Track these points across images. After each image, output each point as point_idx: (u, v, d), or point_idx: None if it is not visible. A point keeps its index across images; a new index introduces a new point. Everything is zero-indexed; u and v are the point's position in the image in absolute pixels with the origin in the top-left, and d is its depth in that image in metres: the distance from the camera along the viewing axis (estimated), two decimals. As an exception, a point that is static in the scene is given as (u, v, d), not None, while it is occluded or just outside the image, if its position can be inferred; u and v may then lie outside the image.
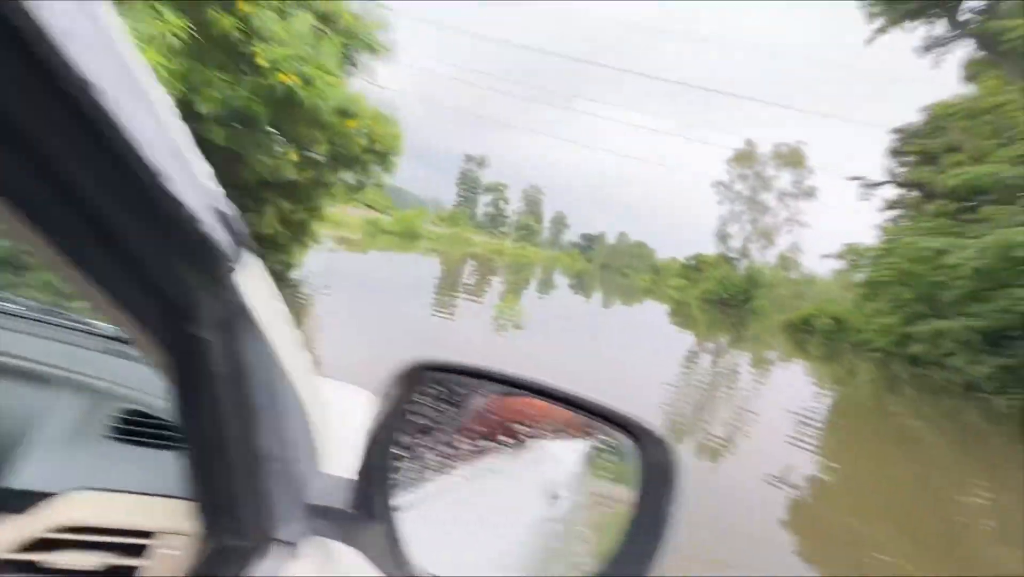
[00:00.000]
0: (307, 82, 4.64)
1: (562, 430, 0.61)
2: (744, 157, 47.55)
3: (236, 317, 0.36)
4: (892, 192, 28.92)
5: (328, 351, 4.66)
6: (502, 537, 0.54)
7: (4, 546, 0.44)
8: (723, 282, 39.96)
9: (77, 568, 0.45)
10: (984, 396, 14.30)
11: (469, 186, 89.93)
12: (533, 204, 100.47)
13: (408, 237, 36.61)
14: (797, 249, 46.80)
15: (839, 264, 27.34)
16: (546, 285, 22.76)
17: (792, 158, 45.84)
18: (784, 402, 7.90)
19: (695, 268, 51.73)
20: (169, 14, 3.89)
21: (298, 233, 10.12)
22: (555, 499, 0.71)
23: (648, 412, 5.24)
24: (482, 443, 0.56)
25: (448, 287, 13.36)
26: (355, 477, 0.46)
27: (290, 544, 0.44)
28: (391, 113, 8.21)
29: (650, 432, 0.46)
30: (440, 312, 9.26)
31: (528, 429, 0.58)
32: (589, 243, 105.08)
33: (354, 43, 5.96)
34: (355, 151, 7.62)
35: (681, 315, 24.60)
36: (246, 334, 0.38)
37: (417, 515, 0.49)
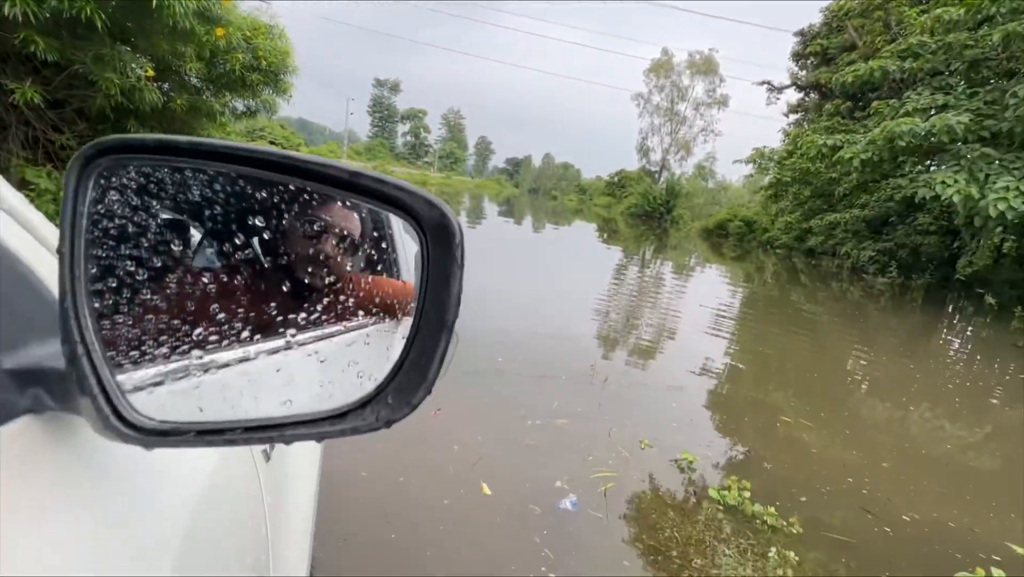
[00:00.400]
0: (149, -28, 3.83)
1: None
2: (661, 67, 47.49)
3: None
4: (795, 95, 30.35)
5: None
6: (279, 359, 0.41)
7: None
8: (645, 196, 41.30)
9: None
10: (867, 277, 16.24)
11: (384, 114, 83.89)
12: (455, 130, 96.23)
13: (323, 174, 34.04)
14: (712, 158, 48.88)
15: (749, 169, 28.93)
16: (475, 214, 22.37)
17: (706, 66, 46.41)
18: (702, 300, 8.53)
19: (619, 185, 52.83)
20: None
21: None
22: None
23: (583, 322, 5.35)
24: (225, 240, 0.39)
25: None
26: (61, 321, 0.34)
27: None
28: (274, 25, 7.18)
29: (424, 198, 0.35)
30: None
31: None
32: (515, 167, 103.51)
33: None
34: (235, 68, 6.67)
35: (608, 231, 25.41)
36: None
37: (152, 361, 0.38)
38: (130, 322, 0.37)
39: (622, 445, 2.91)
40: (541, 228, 21.97)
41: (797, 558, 2.07)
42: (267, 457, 0.80)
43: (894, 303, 12.65)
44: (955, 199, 10.02)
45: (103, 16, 4.05)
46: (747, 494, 2.48)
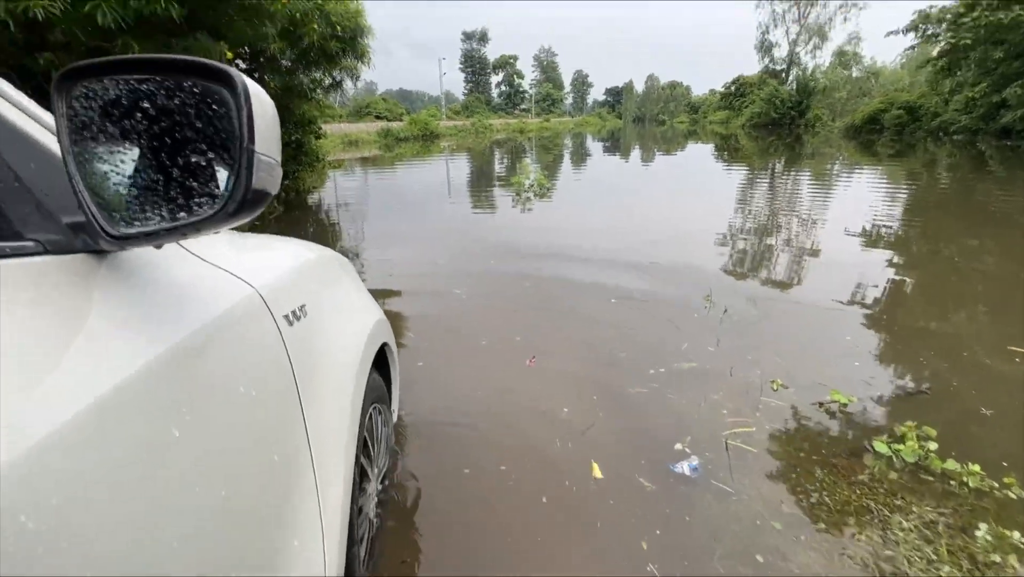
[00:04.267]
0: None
1: None
2: (781, -60, 39.57)
3: None
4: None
5: (374, 270, 4.39)
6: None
7: None
8: (770, 100, 35.73)
9: None
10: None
11: (476, 68, 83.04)
12: (549, 70, 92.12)
13: (427, 139, 35.14)
14: (857, 39, 40.20)
15: (909, 41, 23.13)
16: (578, 156, 21.34)
17: (841, -76, 37.57)
18: (849, 215, 7.01)
19: (737, 94, 46.50)
20: None
21: (296, 154, 9.65)
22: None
23: (708, 259, 4.64)
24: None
25: (479, 180, 12.71)
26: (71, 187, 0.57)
27: (44, 245, 0.57)
28: (341, -16, 7.11)
29: (223, 71, 0.54)
30: (478, 208, 8.81)
31: None
32: (617, 97, 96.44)
33: None
34: (313, 39, 6.75)
35: (729, 149, 22.50)
36: None
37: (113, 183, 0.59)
38: (105, 186, 0.59)
39: (748, 387, 2.39)
40: (650, 159, 20.24)
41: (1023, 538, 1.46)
42: (290, 322, 0.94)
43: None
44: None
45: (177, 8, 4.19)
46: (932, 446, 1.85)
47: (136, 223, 0.58)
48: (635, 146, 27.30)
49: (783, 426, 2.09)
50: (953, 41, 16.76)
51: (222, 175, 0.57)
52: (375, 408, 1.43)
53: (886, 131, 24.59)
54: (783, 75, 41.57)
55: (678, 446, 1.95)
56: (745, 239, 5.66)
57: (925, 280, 4.12)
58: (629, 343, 2.86)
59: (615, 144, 30.19)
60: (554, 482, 1.78)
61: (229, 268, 0.91)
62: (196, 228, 0.56)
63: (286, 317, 0.95)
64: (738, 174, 13.12)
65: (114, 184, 0.59)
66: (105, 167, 0.58)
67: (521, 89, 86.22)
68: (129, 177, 0.59)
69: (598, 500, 1.70)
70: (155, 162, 0.58)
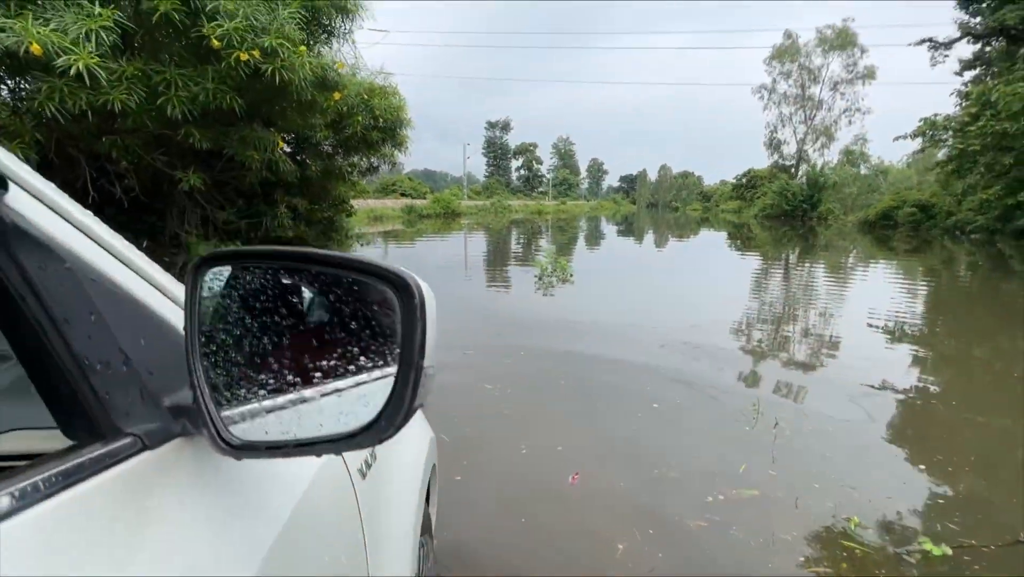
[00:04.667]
0: (269, 55, 4.15)
1: None
2: (784, 52, 42.90)
3: (13, 241, 0.43)
4: (968, 49, 25.04)
5: None
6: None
7: None
8: (782, 193, 36.85)
9: None
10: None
11: (498, 153, 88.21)
12: (566, 157, 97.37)
13: (448, 217, 36.52)
14: (863, 140, 42.18)
15: (915, 146, 24.15)
16: (592, 238, 21.86)
17: (841, 40, 40.81)
18: (873, 306, 6.92)
19: (748, 186, 48.22)
20: (95, 7, 3.52)
21: (328, 231, 9.99)
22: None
23: (726, 344, 4.55)
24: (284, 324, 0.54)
25: (497, 259, 12.95)
26: (189, 376, 0.51)
27: (142, 439, 0.49)
28: (386, 83, 7.66)
29: (401, 277, 0.48)
30: (494, 285, 8.87)
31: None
32: (631, 184, 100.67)
33: (320, 3, 5.43)
34: (357, 130, 7.18)
35: (741, 238, 22.89)
36: (30, 254, 0.44)
37: (232, 392, 0.53)
38: (224, 374, 0.52)
39: (819, 523, 2.15)
40: (663, 244, 20.60)
41: None
42: (363, 475, 0.93)
43: None
44: None
45: (240, 102, 4.50)
46: (1059, 621, 1.58)
47: (261, 431, 0.50)
48: (653, 231, 27.92)
49: (870, 581, 1.83)
50: (961, 147, 17.41)
51: (374, 386, 0.49)
52: (422, 542, 1.28)
53: (901, 227, 24.95)
54: (792, 170, 43.26)
55: (753, 602, 1.71)
56: (773, 336, 5.50)
57: (986, 393, 3.88)
58: (680, 461, 2.64)
59: (629, 228, 30.92)
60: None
61: None
62: (335, 445, 0.49)
63: (360, 471, 0.92)
64: (753, 261, 13.16)
65: (239, 382, 0.52)
66: (232, 362, 0.52)
67: (539, 173, 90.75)
68: (259, 377, 0.51)
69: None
70: (290, 363, 0.51)
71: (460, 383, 3.67)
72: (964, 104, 21.21)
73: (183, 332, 0.56)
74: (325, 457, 0.81)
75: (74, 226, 0.52)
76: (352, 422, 0.48)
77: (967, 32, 24.10)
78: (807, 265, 13.48)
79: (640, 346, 4.75)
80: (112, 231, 0.58)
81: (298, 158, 7.95)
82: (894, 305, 7.27)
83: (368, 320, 0.51)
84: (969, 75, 25.35)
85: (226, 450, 0.49)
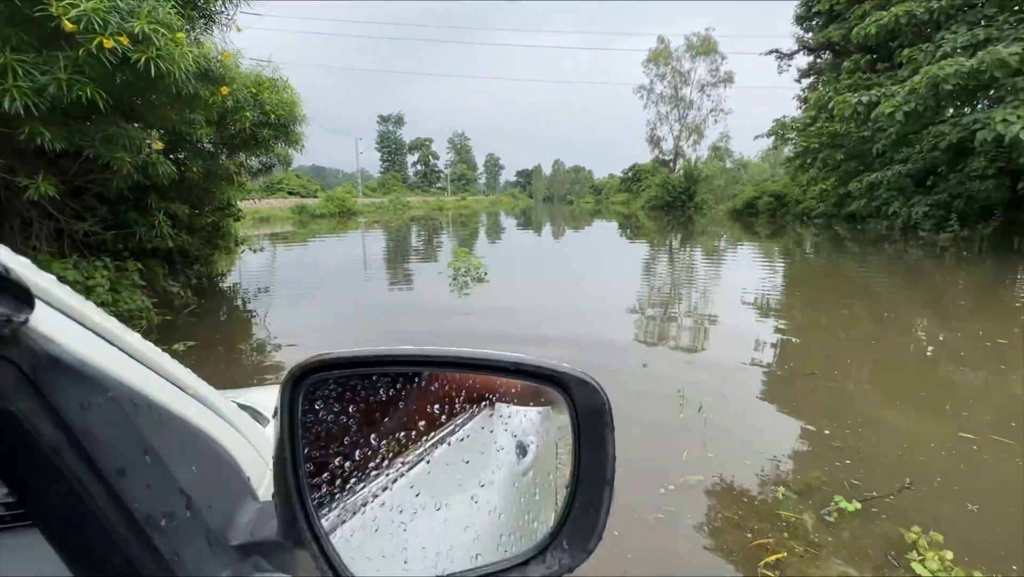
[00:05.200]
0: (140, 41, 3.55)
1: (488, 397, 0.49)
2: (659, 55, 46.68)
3: (42, 374, 0.33)
4: (804, 60, 29.16)
5: (287, 354, 3.99)
6: (472, 508, 0.46)
7: None
8: (664, 186, 40.28)
9: None
10: (925, 235, 15.10)
11: (392, 148, 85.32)
12: (462, 152, 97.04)
13: (343, 216, 34.61)
14: (727, 137, 47.51)
15: (768, 144, 27.77)
16: (493, 231, 22.09)
17: (704, 47, 45.38)
18: (742, 283, 7.93)
19: (634, 179, 51.87)
20: None
21: (212, 238, 8.95)
22: (524, 450, 0.60)
23: (621, 321, 4.86)
24: (405, 432, 0.44)
25: (397, 257, 12.52)
26: (276, 503, 0.41)
27: None
28: (277, 77, 7.02)
29: (576, 376, 0.42)
30: (396, 285, 8.54)
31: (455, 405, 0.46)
32: (527, 179, 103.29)
33: (197, -13, 4.78)
34: (245, 126, 6.50)
35: (631, 228, 24.66)
36: (66, 389, 0.34)
37: (356, 525, 0.43)
38: (338, 512, 0.40)
39: (753, 497, 2.39)
40: (560, 235, 21.48)
41: None
42: None
43: (958, 258, 11.62)
44: (1023, 135, 9.13)
45: (104, 96, 3.83)
46: (948, 555, 1.92)
47: (398, 565, 0.42)
48: (551, 223, 28.94)
49: (808, 544, 2.07)
50: (804, 144, 20.29)
51: (537, 500, 0.43)
52: None
53: (761, 214, 28.54)
54: (671, 164, 47.43)
55: (719, 582, 1.85)
56: (675, 317, 6.02)
57: (841, 358, 4.59)
58: (628, 456, 2.77)
59: (528, 220, 31.76)
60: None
61: None
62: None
63: None
64: (642, 248, 14.26)
65: (355, 512, 0.43)
66: (344, 489, 0.42)
67: (436, 169, 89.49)
68: (385, 502, 0.43)
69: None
70: (421, 483, 0.43)
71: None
72: (804, 108, 24.75)
73: (227, 449, 0.46)
74: None
75: (103, 338, 0.39)
76: (516, 545, 0.42)
77: (803, 45, 28.08)
78: (688, 249, 14.91)
79: (559, 340, 4.90)
80: (137, 334, 0.45)
81: (174, 158, 7.00)
82: (762, 282, 8.39)
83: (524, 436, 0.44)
84: (806, 82, 29.57)
85: None
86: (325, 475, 0.41)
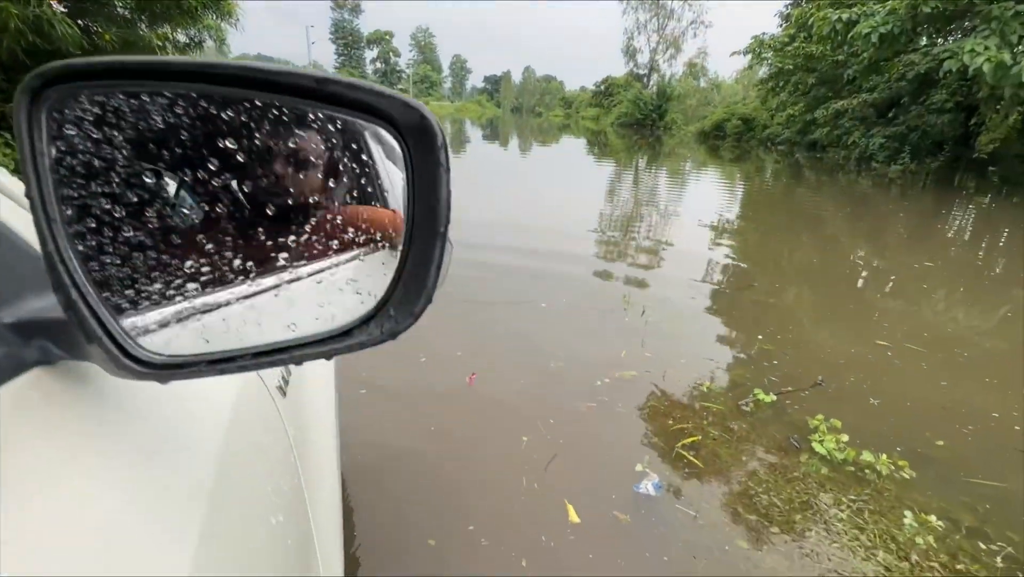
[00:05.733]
0: None
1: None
2: (643, -47, 43.00)
3: None
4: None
5: None
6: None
7: None
8: (635, 102, 39.03)
9: None
10: (878, 166, 15.51)
11: (348, 41, 77.54)
12: (427, 51, 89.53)
13: (292, 113, 31.93)
14: (704, 54, 45.62)
15: (743, 63, 26.95)
16: (457, 141, 21.07)
17: (692, -52, 42.00)
18: (700, 206, 8.06)
19: (606, 93, 49.84)
20: None
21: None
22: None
23: (581, 240, 4.86)
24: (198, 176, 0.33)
25: None
26: (47, 267, 0.31)
27: None
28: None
29: (401, 101, 0.33)
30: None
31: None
32: (495, 86, 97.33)
33: None
34: (165, -11, 5.62)
35: (599, 145, 24.07)
36: None
37: (149, 297, 0.34)
38: (118, 262, 0.33)
39: (682, 390, 2.53)
40: (527, 150, 20.78)
41: (940, 522, 1.73)
42: (283, 393, 0.80)
43: (904, 191, 12.10)
44: (985, 68, 9.18)
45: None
46: (844, 438, 2.12)
47: (197, 341, 0.35)
48: (519, 137, 27.86)
49: (722, 429, 2.23)
50: (779, 65, 19.80)
51: (356, 267, 0.35)
52: None
53: (728, 137, 28.39)
54: (645, 79, 45.60)
55: (639, 467, 1.97)
56: (629, 235, 6.06)
57: (775, 274, 4.79)
58: (568, 353, 2.85)
59: (494, 132, 30.45)
60: (531, 540, 1.67)
61: None
62: (324, 348, 0.35)
63: (279, 388, 0.80)
64: (608, 169, 14.06)
65: (148, 276, 0.34)
66: (128, 245, 0.33)
67: (398, 68, 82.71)
68: (182, 266, 0.34)
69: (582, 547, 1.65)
70: (231, 242, 0.34)
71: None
72: (784, 26, 23.84)
73: (22, 207, 0.39)
74: (240, 378, 0.64)
75: None
76: (339, 316, 0.35)
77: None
78: (653, 171, 14.80)
79: (519, 250, 4.86)
80: None
81: (79, 22, 6.04)
82: (718, 207, 8.52)
83: (341, 171, 0.35)
84: (789, -2, 28.25)
85: (145, 373, 0.33)
86: (92, 222, 0.32)
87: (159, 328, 0.34)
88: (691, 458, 2.03)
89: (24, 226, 0.42)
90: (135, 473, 0.38)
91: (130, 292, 0.34)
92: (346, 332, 0.35)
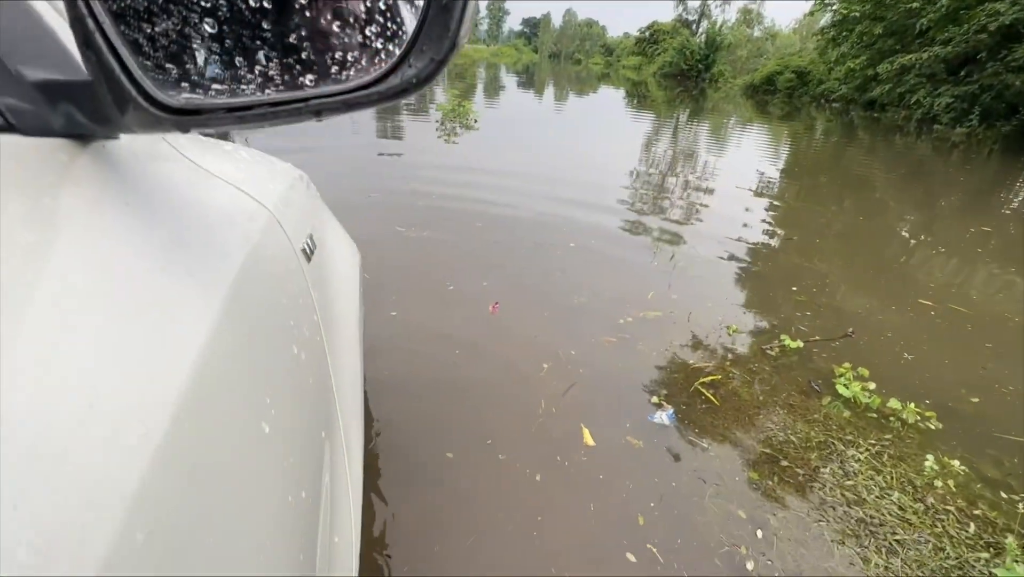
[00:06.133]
0: None
1: None
2: None
3: None
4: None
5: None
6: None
7: None
8: (681, 51, 36.73)
9: None
10: (940, 128, 14.40)
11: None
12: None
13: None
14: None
15: (804, 8, 24.80)
16: (492, 88, 20.43)
17: None
18: (742, 165, 7.65)
19: (651, 41, 47.04)
20: None
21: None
22: None
23: (614, 192, 4.71)
24: None
25: (385, 111, 11.63)
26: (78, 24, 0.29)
27: (3, 114, 0.34)
28: None
29: None
30: (387, 138, 8.02)
31: None
32: (533, 29, 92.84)
33: None
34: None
35: (639, 96, 22.95)
36: None
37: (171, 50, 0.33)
38: (147, 24, 0.31)
39: (706, 331, 2.50)
40: (564, 100, 20.02)
41: (963, 468, 1.70)
42: (308, 258, 0.80)
43: (966, 156, 11.22)
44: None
45: None
46: (871, 386, 2.07)
47: (204, 87, 0.33)
48: (552, 84, 26.81)
49: (743, 371, 2.21)
50: (844, 12, 18.19)
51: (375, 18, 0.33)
52: None
53: (779, 93, 26.64)
54: (694, 26, 42.70)
55: (654, 400, 1.98)
56: (665, 190, 5.86)
57: (816, 235, 4.59)
58: (595, 291, 2.83)
59: (530, 79, 29.38)
60: (546, 458, 1.72)
61: (239, 184, 0.66)
62: (346, 99, 0.34)
63: (303, 251, 0.79)
64: (646, 123, 13.47)
65: (171, 34, 0.32)
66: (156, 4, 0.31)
67: (433, 7, 79.59)
68: (203, 18, 0.32)
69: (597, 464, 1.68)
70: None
71: (371, 226, 3.44)
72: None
73: None
74: (264, 221, 0.64)
75: None
76: (362, 74, 0.34)
77: None
78: (694, 125, 14.11)
79: (549, 197, 4.76)
80: None
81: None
82: (762, 165, 8.10)
83: None
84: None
85: (163, 118, 0.32)
86: None
87: (181, 82, 0.33)
88: (709, 395, 2.03)
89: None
90: (159, 263, 0.38)
91: (158, 54, 0.33)
92: (367, 85, 0.34)
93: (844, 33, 20.19)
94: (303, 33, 0.33)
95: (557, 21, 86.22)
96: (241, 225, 0.57)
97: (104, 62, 0.30)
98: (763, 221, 4.77)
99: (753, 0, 41.87)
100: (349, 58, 0.34)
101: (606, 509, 1.49)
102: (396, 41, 0.33)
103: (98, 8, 0.30)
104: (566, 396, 1.96)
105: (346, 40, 0.34)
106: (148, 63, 0.32)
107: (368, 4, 0.34)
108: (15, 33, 0.36)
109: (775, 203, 5.68)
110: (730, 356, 2.31)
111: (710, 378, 2.12)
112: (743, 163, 8.28)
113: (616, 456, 1.70)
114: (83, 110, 0.37)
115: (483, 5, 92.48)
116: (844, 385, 2.05)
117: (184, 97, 0.32)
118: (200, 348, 0.35)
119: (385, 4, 0.34)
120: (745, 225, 4.52)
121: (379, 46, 0.34)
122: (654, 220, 4.44)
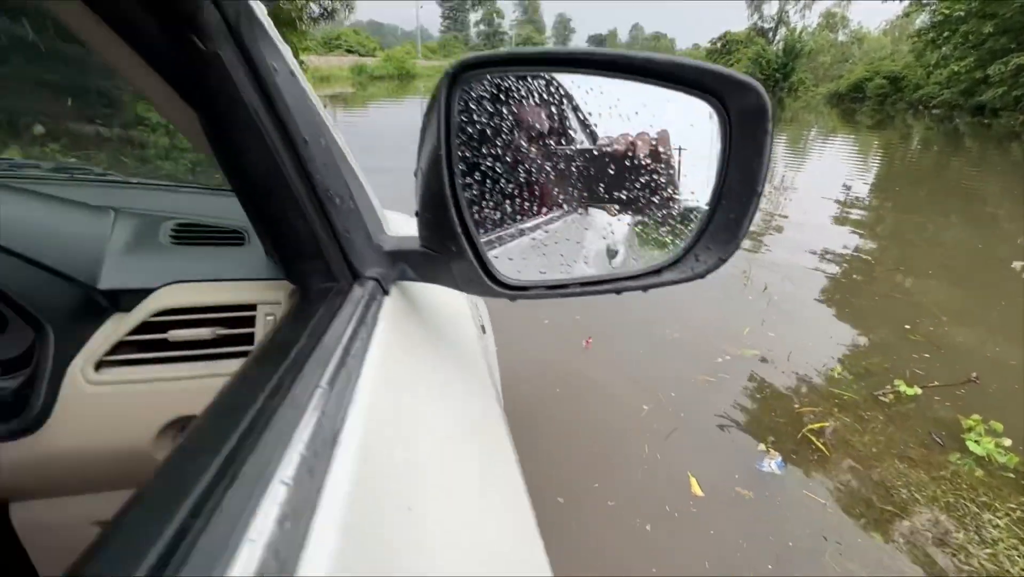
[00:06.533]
0: None
1: None
2: None
3: (241, 25, 0.36)
4: None
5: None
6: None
7: (122, 332, 0.55)
8: (756, 61, 35.27)
9: (193, 339, 0.56)
10: (1068, 134, 12.79)
11: (454, 5, 78.22)
12: (530, 11, 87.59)
13: (402, 79, 33.29)
14: (846, 1, 39.69)
15: (897, 8, 23.02)
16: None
17: None
18: (826, 182, 7.20)
19: (723, 51, 45.57)
20: None
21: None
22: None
23: None
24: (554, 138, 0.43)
25: None
26: (421, 211, 0.42)
27: (378, 281, 0.47)
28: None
29: (736, 79, 0.39)
30: None
31: None
32: (600, 45, 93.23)
33: None
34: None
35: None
36: (259, 43, 0.38)
37: (505, 235, 0.45)
38: (491, 206, 0.42)
39: (808, 372, 2.41)
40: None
41: None
42: (483, 331, 0.97)
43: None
44: None
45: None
46: (1006, 442, 1.91)
47: (535, 271, 0.45)
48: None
49: (853, 418, 2.12)
50: (946, 11, 16.73)
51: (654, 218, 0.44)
52: None
53: (868, 100, 24.83)
54: (770, 34, 40.91)
55: (761, 447, 1.95)
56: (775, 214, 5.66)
57: (922, 263, 4.24)
58: (689, 326, 2.82)
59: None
60: (654, 507, 1.73)
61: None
62: (638, 282, 0.44)
63: (480, 326, 0.92)
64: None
65: (499, 218, 0.44)
66: (489, 192, 0.43)
67: (501, 30, 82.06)
68: (524, 208, 0.44)
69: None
70: (563, 191, 0.44)
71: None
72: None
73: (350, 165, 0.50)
74: (463, 308, 0.79)
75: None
76: (646, 259, 0.44)
77: None
78: (776, 137, 13.47)
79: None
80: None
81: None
82: (851, 180, 7.60)
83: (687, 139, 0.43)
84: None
85: (501, 292, 0.42)
86: (476, 176, 0.42)
87: (510, 258, 0.44)
88: (819, 444, 1.96)
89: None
90: (433, 361, 0.50)
91: (493, 228, 0.44)
92: (657, 271, 0.43)
93: (946, 34, 18.55)
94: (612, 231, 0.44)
95: (624, 36, 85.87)
96: (458, 313, 0.74)
97: (461, 249, 0.40)
98: (862, 249, 4.49)
99: (837, 3, 39.51)
100: (642, 249, 0.44)
101: (721, 568, 1.49)
102: (682, 237, 0.43)
103: (461, 199, 0.40)
104: (668, 440, 1.98)
105: (641, 236, 0.44)
106: (487, 237, 0.43)
107: (662, 213, 0.44)
108: (372, 213, 0.50)
109: (876, 227, 5.32)
110: (837, 401, 2.22)
111: (818, 425, 2.06)
112: (832, 177, 7.80)
113: (726, 508, 1.69)
114: (414, 268, 0.48)
115: (549, 25, 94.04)
116: (975, 441, 1.91)
117: (516, 279, 0.43)
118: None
119: (679, 212, 0.43)
120: (843, 252, 4.29)
121: (668, 240, 0.43)
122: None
